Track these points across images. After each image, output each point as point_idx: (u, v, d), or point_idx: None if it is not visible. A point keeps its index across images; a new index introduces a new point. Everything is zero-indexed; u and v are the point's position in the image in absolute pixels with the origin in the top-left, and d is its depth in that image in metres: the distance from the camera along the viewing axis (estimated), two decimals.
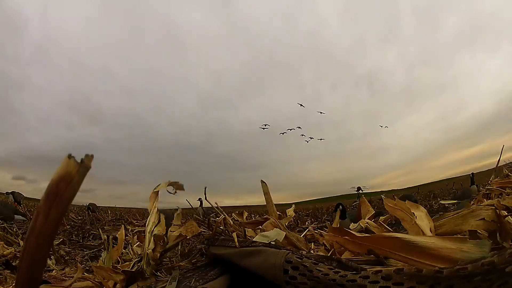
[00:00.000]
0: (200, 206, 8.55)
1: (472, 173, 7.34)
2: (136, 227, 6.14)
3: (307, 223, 7.53)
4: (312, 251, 1.70)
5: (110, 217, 9.64)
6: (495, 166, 3.99)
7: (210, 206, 2.53)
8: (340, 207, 3.92)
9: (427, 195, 15.52)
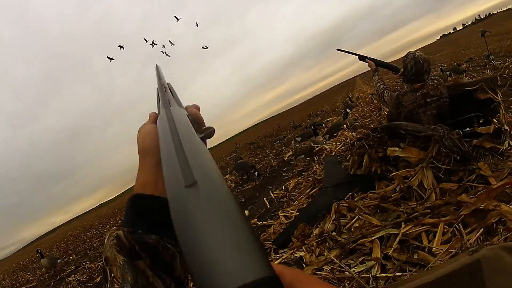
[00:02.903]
0: (42, 258, 8.35)
1: (314, 124, 8.09)
2: None
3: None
4: None
5: None
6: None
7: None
8: None
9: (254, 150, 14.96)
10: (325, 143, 5.57)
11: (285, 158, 7.82)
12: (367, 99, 11.61)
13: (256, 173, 7.08)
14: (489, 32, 12.04)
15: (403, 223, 2.05)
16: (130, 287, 0.38)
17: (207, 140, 0.48)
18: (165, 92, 0.57)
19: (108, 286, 0.39)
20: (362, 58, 3.51)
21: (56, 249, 14.38)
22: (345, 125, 5.16)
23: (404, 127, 2.57)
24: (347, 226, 2.31)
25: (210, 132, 0.46)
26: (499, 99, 2.67)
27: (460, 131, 2.39)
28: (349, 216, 2.41)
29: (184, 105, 0.56)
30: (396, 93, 2.99)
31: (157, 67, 0.72)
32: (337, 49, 3.83)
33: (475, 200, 1.86)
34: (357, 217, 2.32)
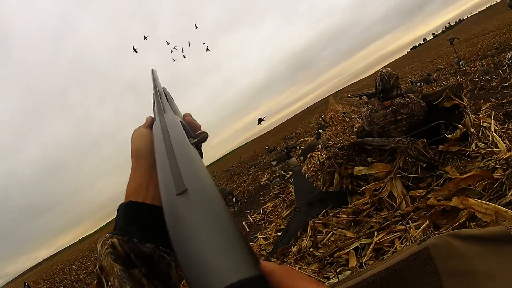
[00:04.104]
0: None
1: (287, 147, 8.52)
2: None
3: None
4: None
5: None
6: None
7: None
8: None
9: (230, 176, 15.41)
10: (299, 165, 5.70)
11: (262, 182, 8.01)
12: (340, 118, 11.78)
13: (234, 199, 7.25)
14: (458, 39, 12.50)
15: (376, 232, 2.12)
16: None
17: (202, 144, 0.49)
18: (160, 99, 0.57)
19: None
20: (360, 96, 3.75)
21: (43, 282, 14.29)
22: (319, 145, 5.22)
23: (370, 142, 2.66)
24: (323, 241, 2.37)
25: (204, 137, 0.47)
26: (465, 103, 2.77)
27: (425, 140, 2.47)
28: (324, 232, 2.47)
29: (182, 112, 0.58)
30: (369, 110, 3.04)
31: (152, 71, 0.72)
32: (348, 96, 4.04)
33: (442, 188, 2.01)
34: (332, 232, 2.37)
